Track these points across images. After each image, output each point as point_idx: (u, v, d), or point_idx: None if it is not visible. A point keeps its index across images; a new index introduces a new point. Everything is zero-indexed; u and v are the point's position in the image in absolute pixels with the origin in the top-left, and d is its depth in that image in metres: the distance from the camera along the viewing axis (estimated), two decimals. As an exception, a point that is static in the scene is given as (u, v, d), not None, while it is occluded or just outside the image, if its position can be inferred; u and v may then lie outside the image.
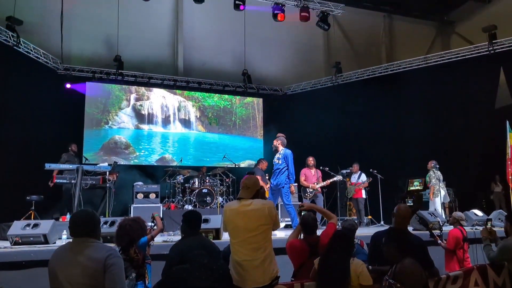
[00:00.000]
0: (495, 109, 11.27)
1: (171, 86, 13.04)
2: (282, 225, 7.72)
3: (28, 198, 7.98)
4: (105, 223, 6.11)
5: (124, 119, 12.50)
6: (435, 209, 9.55)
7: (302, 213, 4.36)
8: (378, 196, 10.28)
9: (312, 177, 9.25)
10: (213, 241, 5.02)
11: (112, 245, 3.61)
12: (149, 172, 11.94)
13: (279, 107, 14.14)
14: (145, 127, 12.73)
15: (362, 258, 4.01)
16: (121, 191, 9.65)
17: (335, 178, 9.42)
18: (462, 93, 11.59)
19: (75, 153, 9.68)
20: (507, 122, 9.33)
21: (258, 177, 8.87)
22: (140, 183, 10.01)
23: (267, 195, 8.94)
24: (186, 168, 11.38)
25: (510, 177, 9.19)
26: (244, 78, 13.33)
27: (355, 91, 12.81)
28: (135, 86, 12.73)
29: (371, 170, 10.32)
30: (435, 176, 9.61)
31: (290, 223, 8.41)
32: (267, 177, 9.82)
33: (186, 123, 13.26)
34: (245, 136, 13.88)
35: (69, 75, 11.61)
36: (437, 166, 9.74)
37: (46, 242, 5.69)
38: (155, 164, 12.53)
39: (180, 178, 10.59)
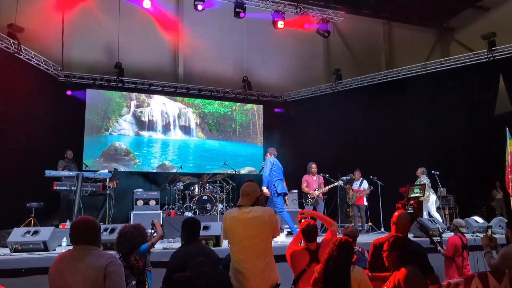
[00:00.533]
0: (495, 116, 11.28)
1: (171, 93, 13.07)
2: (283, 235, 7.69)
3: (28, 205, 7.97)
4: (105, 230, 6.11)
5: (125, 126, 12.51)
6: (429, 214, 9.60)
7: (302, 220, 4.35)
8: (379, 203, 10.28)
9: (313, 183, 9.27)
10: (213, 248, 5.02)
11: (112, 252, 3.61)
12: (149, 179, 11.97)
13: (279, 114, 14.17)
14: (145, 133, 12.74)
15: (363, 266, 4.02)
16: (121, 197, 9.67)
17: (335, 183, 9.44)
18: (462, 100, 11.60)
19: (70, 159, 9.69)
20: (507, 129, 9.34)
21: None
22: (140, 190, 10.01)
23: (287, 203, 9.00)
24: (186, 175, 11.39)
25: (510, 184, 9.19)
26: (244, 85, 13.37)
27: (355, 98, 12.83)
28: (136, 93, 12.75)
29: (371, 177, 10.33)
30: (425, 182, 9.71)
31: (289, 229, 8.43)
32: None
33: (186, 129, 13.28)
34: (245, 143, 13.88)
35: (69, 82, 11.63)
36: (426, 172, 10.06)
37: (46, 249, 5.69)
38: (155, 170, 12.52)
39: (180, 185, 10.59)
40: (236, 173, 11.54)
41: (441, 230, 7.28)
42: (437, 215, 9.69)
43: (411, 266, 3.34)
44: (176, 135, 13.11)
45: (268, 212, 3.76)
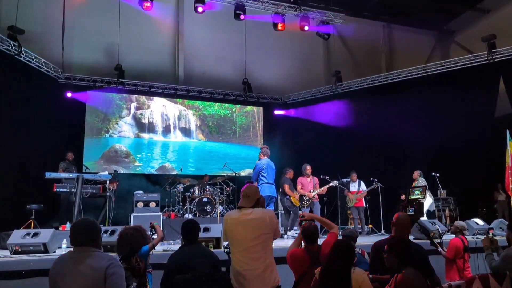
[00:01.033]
0: (495, 118, 11.28)
1: (171, 95, 13.07)
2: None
3: (28, 207, 7.95)
4: (105, 232, 6.09)
5: (125, 128, 12.52)
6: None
7: (303, 223, 4.34)
8: (379, 205, 10.27)
9: (308, 184, 9.24)
10: (214, 250, 5.01)
11: (113, 254, 3.60)
12: (149, 181, 11.96)
13: (279, 116, 14.17)
14: (145, 135, 12.74)
15: (363, 267, 4.00)
16: (121, 200, 9.65)
17: (331, 184, 9.40)
18: (462, 102, 11.60)
19: (72, 161, 9.69)
20: (507, 130, 9.34)
21: (286, 185, 8.98)
22: (140, 191, 9.99)
23: (297, 204, 8.96)
24: (186, 177, 11.38)
25: (510, 186, 9.18)
26: (244, 87, 13.37)
27: (355, 100, 12.83)
28: (136, 95, 12.76)
29: (371, 179, 10.31)
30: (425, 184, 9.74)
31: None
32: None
33: (186, 131, 13.28)
34: (245, 145, 13.88)
35: (70, 84, 11.65)
36: (423, 174, 10.12)
37: (46, 251, 5.68)
38: (155, 172, 12.52)
39: (180, 187, 10.57)
40: (236, 175, 11.53)
41: (441, 232, 7.27)
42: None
43: (411, 268, 3.33)
44: (176, 137, 13.11)
45: (269, 214, 3.75)
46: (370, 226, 10.55)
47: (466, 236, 5.83)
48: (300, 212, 9.07)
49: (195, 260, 3.49)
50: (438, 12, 14.79)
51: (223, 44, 13.76)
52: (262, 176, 8.15)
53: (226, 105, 13.82)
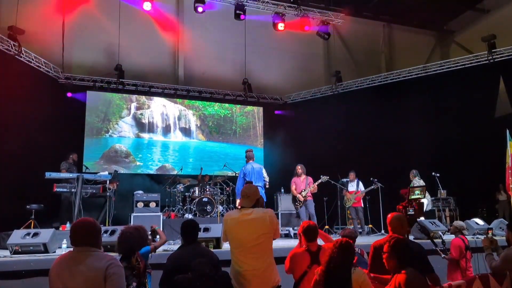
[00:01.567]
0: (495, 117, 11.28)
1: (171, 95, 13.07)
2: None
3: (28, 207, 7.94)
4: (106, 232, 6.09)
5: (125, 128, 12.52)
6: None
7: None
8: (379, 205, 10.27)
9: (301, 184, 9.30)
10: (213, 250, 5.01)
11: (114, 254, 3.60)
12: (149, 181, 11.95)
13: (279, 116, 14.17)
14: (145, 136, 12.74)
15: (363, 267, 4.01)
16: (121, 200, 9.64)
17: (320, 180, 9.37)
18: (462, 102, 11.60)
19: (74, 162, 9.67)
20: (507, 130, 9.34)
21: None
22: (140, 192, 9.98)
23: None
24: (186, 177, 11.37)
25: (510, 186, 9.18)
26: (244, 87, 13.38)
27: (355, 100, 12.83)
28: (136, 95, 12.75)
29: (371, 178, 10.31)
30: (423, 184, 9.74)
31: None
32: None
33: (186, 132, 13.28)
34: (245, 145, 13.83)
35: (70, 84, 11.65)
36: (418, 174, 10.14)
37: (46, 251, 5.67)
38: (155, 172, 12.52)
39: (180, 187, 10.57)
40: (236, 175, 11.50)
41: (441, 232, 7.26)
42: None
43: (411, 268, 3.33)
44: (176, 137, 13.11)
45: (269, 214, 3.76)
46: (370, 226, 10.55)
47: (466, 236, 5.83)
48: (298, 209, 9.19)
49: (195, 260, 3.49)
50: (438, 12, 14.79)
51: (223, 44, 13.76)
52: (247, 181, 8.26)
53: (226, 105, 13.82)
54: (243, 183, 8.29)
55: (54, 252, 5.77)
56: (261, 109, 14.19)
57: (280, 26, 12.60)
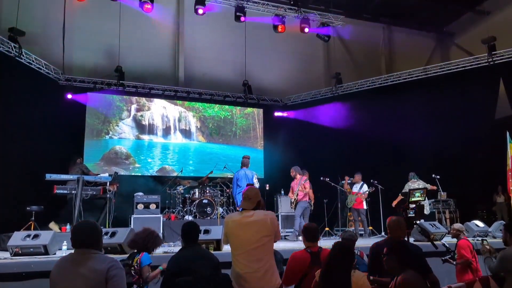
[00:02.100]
0: (495, 120, 11.29)
1: (171, 97, 13.08)
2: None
3: (28, 208, 7.94)
4: (106, 234, 6.09)
5: (125, 130, 12.52)
6: None
7: None
8: (379, 207, 10.27)
9: (295, 187, 9.43)
10: (214, 252, 5.01)
11: (115, 256, 3.61)
12: (149, 183, 11.93)
13: (280, 118, 14.17)
14: (145, 137, 12.74)
15: (362, 269, 4.01)
16: (122, 201, 9.64)
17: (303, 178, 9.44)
18: (462, 104, 11.61)
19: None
20: (507, 132, 9.35)
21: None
22: (141, 193, 9.98)
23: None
24: (186, 178, 11.37)
25: (511, 188, 9.19)
26: (244, 89, 13.37)
27: (355, 102, 12.84)
28: (136, 97, 12.75)
29: (372, 180, 10.32)
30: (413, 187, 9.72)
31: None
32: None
33: (186, 133, 13.28)
34: (245, 147, 13.87)
35: (70, 86, 11.65)
36: (414, 176, 10.14)
37: (46, 253, 5.68)
38: (155, 174, 12.51)
39: (180, 189, 10.57)
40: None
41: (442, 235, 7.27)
42: None
43: (411, 270, 3.34)
44: (176, 138, 13.12)
45: (270, 216, 3.75)
46: (370, 228, 10.55)
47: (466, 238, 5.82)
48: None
49: (196, 262, 3.49)
50: (438, 14, 14.80)
51: (224, 46, 13.77)
52: (238, 186, 8.78)
53: (226, 106, 13.83)
54: (236, 188, 8.82)
55: (55, 254, 5.77)
56: (261, 110, 14.20)
57: (280, 28, 12.61)
